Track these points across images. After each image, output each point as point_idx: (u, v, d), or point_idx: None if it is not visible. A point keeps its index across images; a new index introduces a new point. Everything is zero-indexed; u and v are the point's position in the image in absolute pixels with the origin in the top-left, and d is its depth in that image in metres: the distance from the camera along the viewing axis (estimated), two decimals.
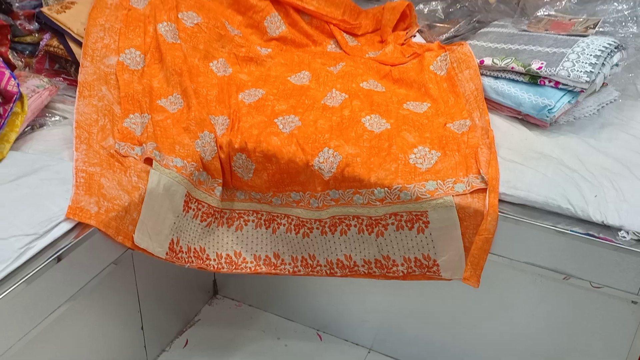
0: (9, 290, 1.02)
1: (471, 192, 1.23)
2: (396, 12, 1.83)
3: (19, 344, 1.08)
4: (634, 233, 1.14)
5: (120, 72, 1.51)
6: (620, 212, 1.16)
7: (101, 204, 1.19)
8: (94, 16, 1.60)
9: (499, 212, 1.20)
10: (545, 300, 1.33)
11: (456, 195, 1.23)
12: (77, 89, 1.43)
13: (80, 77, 1.46)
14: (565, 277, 1.22)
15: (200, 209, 1.40)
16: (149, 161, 1.32)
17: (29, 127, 1.40)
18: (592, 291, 1.21)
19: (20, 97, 1.36)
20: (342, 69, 1.67)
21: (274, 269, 1.45)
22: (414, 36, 1.84)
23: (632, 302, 1.20)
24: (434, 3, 1.88)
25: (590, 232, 1.16)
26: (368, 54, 1.79)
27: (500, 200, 1.21)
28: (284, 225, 1.42)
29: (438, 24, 1.87)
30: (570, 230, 1.18)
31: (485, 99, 1.46)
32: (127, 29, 1.60)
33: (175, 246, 1.35)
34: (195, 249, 1.41)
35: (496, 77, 1.49)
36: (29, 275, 1.05)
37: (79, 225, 1.16)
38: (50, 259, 1.09)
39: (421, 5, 1.90)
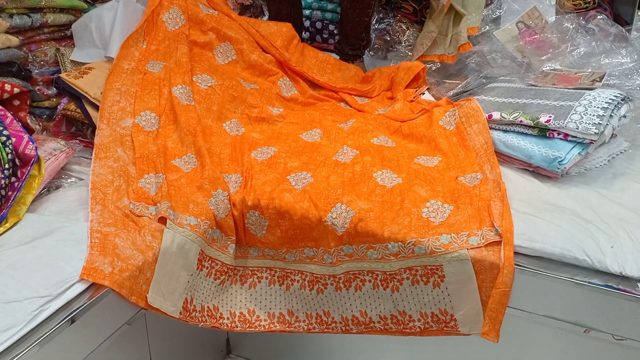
0: (22, 353, 1.01)
1: (486, 245, 1.22)
2: (411, 73, 1.87)
3: None
4: None
5: (135, 134, 1.54)
6: (639, 263, 1.15)
7: (115, 264, 1.19)
8: (111, 80, 1.65)
9: (515, 264, 1.18)
10: (567, 354, 1.30)
11: (471, 248, 1.22)
12: (94, 151, 1.46)
13: (96, 140, 1.49)
14: (586, 330, 1.20)
15: (213, 267, 1.39)
16: (163, 220, 1.33)
17: (45, 189, 1.43)
18: (615, 344, 1.19)
19: (38, 160, 1.40)
20: (353, 125, 1.69)
21: (288, 326, 1.43)
22: (423, 93, 1.88)
23: None
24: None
25: (609, 284, 1.15)
26: (377, 110, 1.83)
27: (515, 253, 1.20)
28: (298, 281, 1.41)
29: (446, 81, 1.91)
30: (589, 282, 1.16)
31: (496, 152, 1.47)
32: (142, 92, 1.64)
33: (189, 305, 1.34)
34: (208, 307, 1.39)
35: (505, 131, 1.51)
36: (42, 338, 1.04)
37: (93, 286, 1.17)
38: (64, 321, 1.09)
39: (430, 65, 1.94)
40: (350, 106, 1.90)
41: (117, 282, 1.17)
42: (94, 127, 1.56)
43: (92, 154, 1.46)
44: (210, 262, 1.39)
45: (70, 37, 1.82)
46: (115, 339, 1.25)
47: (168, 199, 1.36)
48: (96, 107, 1.59)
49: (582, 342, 1.24)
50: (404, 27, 2.20)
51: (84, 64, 1.74)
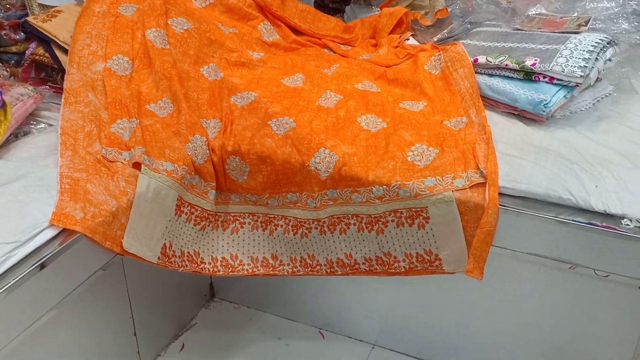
0: None
1: (471, 187, 1.21)
2: (393, 18, 1.82)
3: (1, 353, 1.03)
4: (637, 220, 1.13)
5: (107, 78, 1.48)
6: (623, 201, 1.15)
7: (87, 209, 1.15)
8: (81, 24, 1.57)
9: (500, 205, 1.18)
10: (551, 290, 1.31)
11: (456, 190, 1.21)
12: (63, 96, 1.40)
13: (66, 84, 1.43)
14: (570, 267, 1.21)
15: (193, 213, 1.36)
16: (137, 166, 1.29)
17: (12, 136, 1.37)
18: (598, 279, 1.21)
19: (3, 105, 1.34)
20: (336, 71, 1.65)
21: (272, 270, 1.41)
22: (408, 39, 1.84)
23: (639, 288, 1.18)
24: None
25: (593, 221, 1.15)
26: (362, 56, 1.78)
27: (500, 194, 1.20)
28: (282, 226, 1.39)
29: (431, 27, 1.87)
30: (573, 220, 1.16)
31: (481, 96, 1.45)
32: (114, 36, 1.58)
33: (167, 250, 1.31)
34: (189, 252, 1.36)
35: (491, 75, 1.48)
36: (10, 284, 1.01)
37: (64, 232, 1.13)
38: (33, 267, 1.05)
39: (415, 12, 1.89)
40: (334, 52, 1.85)
41: (90, 227, 1.13)
42: (63, 72, 1.49)
43: (61, 101, 1.40)
44: (189, 207, 1.35)
45: None
46: (91, 284, 1.22)
47: (143, 144, 1.32)
48: (66, 52, 1.52)
49: (566, 278, 1.26)
50: None
51: (52, 7, 1.66)
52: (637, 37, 1.55)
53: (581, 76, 1.35)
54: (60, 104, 1.40)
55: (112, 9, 1.64)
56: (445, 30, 1.78)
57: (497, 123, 1.40)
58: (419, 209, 1.23)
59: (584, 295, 1.27)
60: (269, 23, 1.85)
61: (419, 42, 1.81)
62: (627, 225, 1.13)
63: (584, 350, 1.35)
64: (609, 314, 1.27)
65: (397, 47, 1.78)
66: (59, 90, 1.51)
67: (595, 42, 1.41)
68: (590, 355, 1.35)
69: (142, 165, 1.27)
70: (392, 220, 1.27)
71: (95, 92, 1.44)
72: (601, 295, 1.25)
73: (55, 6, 1.66)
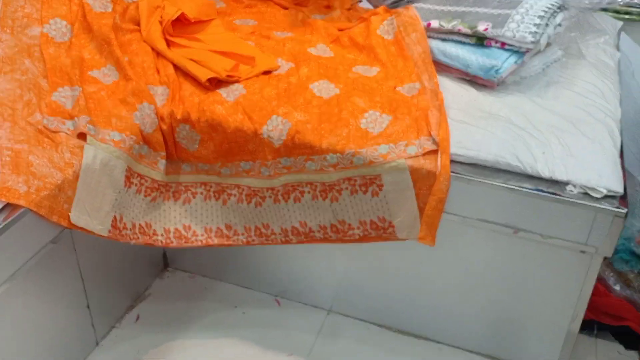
0: None
1: (423, 154, 1.22)
2: None
3: None
4: (580, 187, 1.17)
5: (45, 46, 1.40)
6: (567, 167, 1.19)
7: (31, 182, 1.12)
8: None
9: (451, 172, 1.20)
10: (499, 254, 1.35)
11: (408, 157, 1.22)
12: None
13: None
14: (515, 231, 1.25)
15: (143, 184, 1.33)
16: (82, 136, 1.24)
17: None
18: (543, 243, 1.25)
19: None
20: (289, 37, 1.62)
21: (226, 240, 1.41)
22: (360, 1, 1.81)
23: (581, 251, 1.24)
24: None
25: (540, 187, 1.19)
26: (314, 15, 1.75)
27: (451, 161, 1.21)
28: (235, 195, 1.38)
29: None
30: (520, 187, 1.19)
31: (434, 61, 1.45)
32: None
33: (118, 223, 1.28)
34: (140, 224, 1.34)
35: (443, 40, 1.48)
36: None
37: (8, 207, 1.09)
38: None
39: None
40: (286, 8, 1.81)
41: (35, 201, 1.10)
42: None
43: None
44: (139, 178, 1.32)
45: None
46: (40, 258, 1.20)
47: (87, 113, 1.27)
48: None
49: (513, 242, 1.29)
50: None
51: None
52: (587, 2, 1.57)
53: (532, 42, 1.36)
54: None
55: None
56: None
57: (449, 89, 1.40)
58: (372, 177, 1.24)
59: (529, 259, 1.32)
60: None
61: (372, 4, 1.78)
62: (571, 191, 1.17)
63: (528, 312, 1.40)
64: (553, 277, 1.32)
65: (349, 9, 1.76)
66: None
67: (546, 7, 1.42)
68: (533, 317, 1.41)
69: (88, 135, 1.23)
70: (346, 188, 1.27)
71: (32, 59, 1.37)
72: (546, 259, 1.29)
73: None
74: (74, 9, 1.48)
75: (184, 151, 1.38)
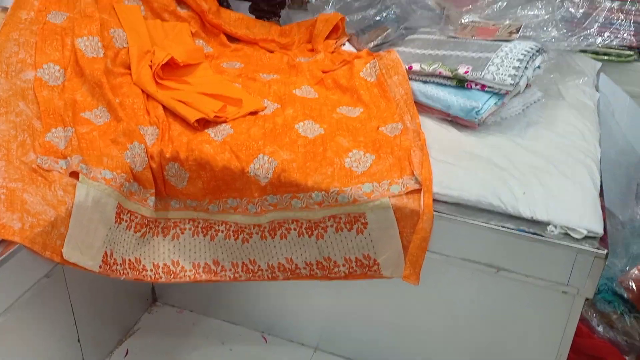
0: None
1: (406, 193, 1.25)
2: (329, 24, 1.84)
3: None
4: (561, 227, 1.19)
5: (38, 89, 1.45)
6: (548, 208, 1.21)
7: (25, 219, 1.14)
8: (7, 31, 1.52)
9: (434, 211, 1.22)
10: (483, 294, 1.36)
11: (392, 196, 1.24)
12: None
13: None
14: (497, 270, 1.27)
15: (133, 220, 1.35)
16: (75, 175, 1.27)
17: None
18: (525, 283, 1.26)
19: None
20: (274, 79, 1.66)
21: (214, 276, 1.42)
22: (344, 44, 1.87)
23: (563, 292, 1.25)
24: (362, 13, 1.91)
25: (521, 228, 1.21)
26: (299, 58, 1.80)
27: (434, 200, 1.24)
28: (222, 231, 1.40)
29: (366, 32, 1.90)
30: (502, 227, 1.22)
31: (416, 102, 1.50)
32: (43, 43, 1.53)
33: (108, 258, 1.30)
34: (130, 260, 1.36)
35: (425, 82, 1.53)
36: None
37: (3, 243, 1.13)
38: None
39: (348, 16, 1.92)
40: (272, 51, 1.87)
41: (29, 237, 1.13)
42: None
43: None
44: (129, 215, 1.34)
45: None
46: (33, 293, 1.23)
47: (79, 153, 1.30)
48: None
49: (497, 282, 1.31)
50: None
51: None
52: (565, 45, 1.63)
53: (511, 84, 1.41)
54: None
55: (41, 17, 1.59)
56: (381, 37, 1.82)
57: (431, 129, 1.44)
58: (357, 215, 1.27)
59: (513, 299, 1.33)
60: (202, 41, 1.85)
61: (354, 47, 1.84)
62: (552, 231, 1.19)
63: (511, 352, 1.42)
64: (535, 317, 1.33)
65: (333, 52, 1.81)
66: None
67: (525, 51, 1.48)
68: (516, 357, 1.41)
69: (80, 174, 1.26)
70: (332, 226, 1.30)
71: (26, 102, 1.41)
72: (528, 299, 1.31)
73: None
74: (66, 54, 1.53)
75: (172, 188, 1.40)
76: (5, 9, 1.60)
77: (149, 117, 1.45)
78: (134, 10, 1.75)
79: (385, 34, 1.86)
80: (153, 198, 1.38)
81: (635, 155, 1.80)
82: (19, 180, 1.22)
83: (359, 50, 1.83)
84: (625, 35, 1.70)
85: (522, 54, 1.46)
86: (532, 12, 1.68)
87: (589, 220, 1.19)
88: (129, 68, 1.58)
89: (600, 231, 1.18)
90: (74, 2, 1.65)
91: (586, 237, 1.18)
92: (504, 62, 1.45)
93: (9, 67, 1.46)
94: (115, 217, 1.31)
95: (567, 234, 1.19)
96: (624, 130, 1.79)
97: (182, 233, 1.43)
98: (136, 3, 1.78)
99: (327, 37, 1.87)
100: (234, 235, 1.39)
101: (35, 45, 1.52)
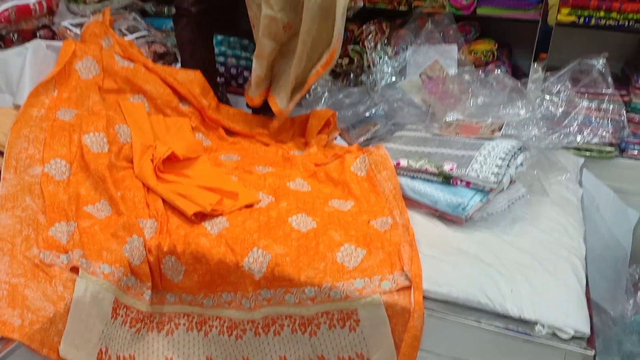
0: None
1: (397, 290, 1.28)
2: (321, 119, 1.94)
3: None
4: (548, 326, 1.21)
5: (45, 184, 1.51)
6: (535, 306, 1.24)
7: (25, 316, 1.18)
8: (18, 128, 1.60)
9: (425, 308, 1.25)
10: None
11: (383, 293, 1.27)
12: (0, 202, 1.42)
13: (2, 190, 1.45)
14: None
15: (129, 315, 1.37)
16: (75, 270, 1.31)
17: None
18: None
19: None
20: (269, 172, 1.73)
21: None
22: (335, 138, 1.96)
23: None
24: (352, 109, 2.02)
25: (510, 327, 1.23)
26: (293, 151, 1.88)
27: (424, 297, 1.27)
28: (216, 327, 1.41)
29: (357, 126, 2.00)
30: (491, 325, 1.24)
31: (404, 197, 1.56)
32: (52, 139, 1.61)
33: (104, 355, 1.32)
34: (124, 357, 1.37)
35: (412, 177, 1.60)
36: None
37: (2, 340, 1.15)
38: None
39: (340, 112, 2.02)
40: (267, 144, 1.95)
41: (27, 335, 1.16)
42: None
43: None
44: (125, 310, 1.36)
45: None
46: None
47: (80, 247, 1.35)
48: (1, 154, 1.53)
49: None
50: None
51: None
52: (546, 143, 1.71)
53: (495, 182, 1.47)
54: None
55: (51, 114, 1.67)
56: (370, 132, 1.91)
57: (420, 223, 1.49)
58: (349, 311, 1.29)
59: None
60: (202, 134, 1.94)
61: (346, 141, 1.93)
62: (540, 331, 1.21)
63: None
64: None
65: (325, 146, 1.90)
66: None
67: (507, 149, 1.55)
68: None
69: (80, 269, 1.30)
70: (325, 322, 1.32)
71: (32, 196, 1.47)
72: None
73: None
74: (73, 149, 1.60)
75: (169, 282, 1.43)
76: (17, 107, 1.68)
77: (148, 210, 1.50)
78: (139, 107, 1.84)
79: (374, 129, 1.96)
80: (149, 292, 1.41)
81: (622, 249, 1.84)
82: (21, 275, 1.26)
83: (349, 144, 1.92)
84: (603, 133, 1.79)
85: (504, 153, 1.54)
86: (513, 111, 1.77)
87: (575, 320, 1.21)
88: (131, 162, 1.65)
89: (587, 331, 1.20)
90: (83, 100, 1.74)
91: (574, 337, 1.20)
92: (487, 160, 1.52)
93: (18, 163, 1.52)
94: (112, 312, 1.33)
95: (554, 334, 1.21)
96: (609, 224, 1.83)
97: (177, 328, 1.44)
98: (141, 100, 1.88)
99: (320, 132, 1.96)
100: (227, 331, 1.40)
101: (44, 141, 1.60)
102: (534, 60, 2.05)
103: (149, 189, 1.57)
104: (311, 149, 1.86)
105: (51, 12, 2.06)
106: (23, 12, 1.93)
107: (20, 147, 1.56)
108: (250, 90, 1.98)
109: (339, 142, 1.95)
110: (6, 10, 1.88)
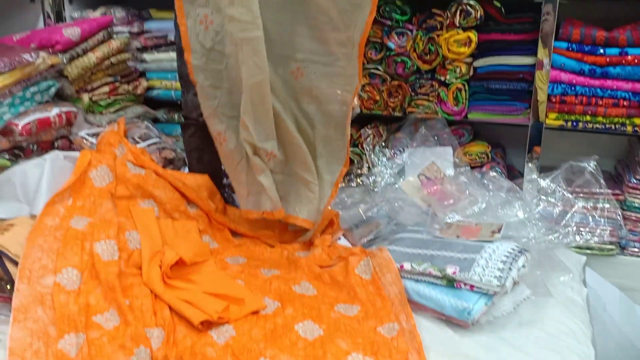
0: None
1: None
2: (324, 220, 1.98)
3: None
4: None
5: (56, 294, 1.53)
6: None
7: None
8: (33, 238, 1.64)
9: None
10: None
11: None
12: (12, 314, 1.44)
13: (15, 302, 1.47)
14: None
15: None
16: None
17: None
18: None
19: None
20: (275, 275, 1.75)
21: None
22: (339, 239, 1.99)
23: None
24: (354, 209, 2.07)
25: None
26: (298, 253, 1.91)
27: None
28: None
29: (359, 227, 2.04)
30: None
31: (409, 300, 1.57)
32: (64, 249, 1.64)
33: None
34: None
35: (417, 281, 1.61)
36: None
37: None
38: None
39: (343, 212, 2.08)
40: (272, 246, 1.98)
41: None
42: (13, 283, 1.53)
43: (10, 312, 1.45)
44: None
45: None
46: None
47: None
48: (16, 264, 1.57)
49: None
50: None
51: (5, 219, 1.73)
52: (546, 243, 1.74)
53: (498, 285, 1.49)
54: (8, 315, 1.45)
55: (64, 222, 1.72)
56: (373, 232, 1.95)
57: (427, 328, 1.50)
58: None
59: None
60: (209, 236, 1.98)
61: (349, 241, 1.96)
62: None
63: None
64: None
65: (329, 246, 1.92)
66: (8, 300, 1.54)
67: (507, 252, 1.58)
68: None
69: None
70: None
71: (44, 307, 1.49)
72: None
73: (9, 219, 1.73)
74: (85, 258, 1.64)
75: None
76: (34, 217, 1.73)
77: (155, 319, 1.51)
78: (148, 212, 1.90)
79: (377, 229, 2.00)
80: None
81: (635, 350, 1.81)
82: None
83: (353, 244, 1.95)
84: (602, 232, 1.83)
85: (504, 256, 1.57)
86: (511, 212, 1.82)
87: None
88: (140, 268, 1.68)
89: None
90: (96, 208, 1.80)
91: None
92: (489, 264, 1.54)
93: (31, 273, 1.55)
94: None
95: None
96: (618, 324, 1.82)
97: None
98: (151, 205, 1.93)
99: (323, 232, 2.00)
100: None
101: (57, 251, 1.63)
102: (528, 161, 2.14)
103: (156, 295, 1.59)
104: (315, 250, 1.89)
105: (70, 123, 2.18)
106: (44, 124, 2.05)
107: (34, 257, 1.59)
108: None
109: (343, 242, 1.98)
110: (28, 123, 1.99)
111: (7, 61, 1.95)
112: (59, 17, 2.78)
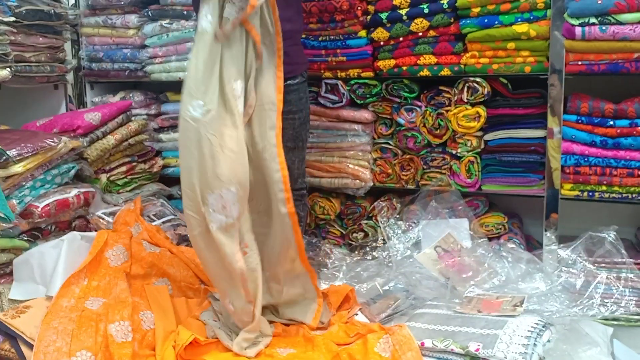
0: None
1: None
2: (340, 295, 1.96)
3: None
4: None
5: None
6: None
7: None
8: (48, 320, 1.64)
9: None
10: None
11: None
12: None
13: None
14: None
15: None
16: None
17: None
18: None
19: None
20: (291, 354, 1.71)
21: None
22: (356, 314, 1.95)
23: None
24: (371, 283, 2.04)
25: None
26: (314, 331, 1.86)
27: None
28: None
29: (377, 301, 2.00)
30: None
31: None
32: (79, 330, 1.63)
33: None
34: None
35: (439, 359, 1.57)
36: None
37: None
38: None
39: (360, 285, 2.04)
40: (287, 324, 1.93)
41: None
42: None
43: None
44: None
45: (10, 274, 1.86)
46: None
47: None
48: (31, 347, 1.56)
49: None
50: (331, 250, 2.38)
51: (22, 301, 1.74)
52: (570, 315, 1.69)
53: None
54: None
55: (80, 304, 1.72)
56: (391, 307, 1.90)
57: None
58: None
59: None
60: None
61: (367, 317, 1.91)
62: None
63: None
64: None
65: (346, 322, 1.87)
66: None
67: (531, 328, 1.54)
68: None
69: None
70: None
71: None
72: None
73: (26, 300, 1.74)
74: (99, 340, 1.62)
75: None
76: (50, 298, 1.74)
77: None
78: (162, 290, 1.89)
79: (395, 304, 1.95)
80: None
81: None
82: None
83: (371, 320, 1.90)
84: (627, 303, 1.77)
85: (528, 331, 1.53)
86: (532, 284, 1.78)
87: None
88: (154, 349, 1.65)
89: None
90: (111, 288, 1.80)
91: None
92: (512, 340, 1.50)
93: (45, 357, 1.54)
94: None
95: None
96: None
97: None
98: (165, 283, 1.93)
99: (339, 307, 1.96)
100: None
101: (72, 333, 1.62)
102: (546, 229, 2.10)
103: None
104: (332, 327, 1.85)
105: (87, 203, 2.22)
106: (62, 206, 2.09)
107: (48, 340, 1.58)
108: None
109: (361, 317, 1.93)
110: (47, 205, 2.03)
111: (30, 147, 2.01)
112: (80, 101, 2.88)
